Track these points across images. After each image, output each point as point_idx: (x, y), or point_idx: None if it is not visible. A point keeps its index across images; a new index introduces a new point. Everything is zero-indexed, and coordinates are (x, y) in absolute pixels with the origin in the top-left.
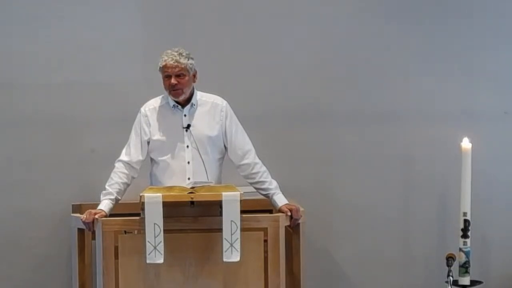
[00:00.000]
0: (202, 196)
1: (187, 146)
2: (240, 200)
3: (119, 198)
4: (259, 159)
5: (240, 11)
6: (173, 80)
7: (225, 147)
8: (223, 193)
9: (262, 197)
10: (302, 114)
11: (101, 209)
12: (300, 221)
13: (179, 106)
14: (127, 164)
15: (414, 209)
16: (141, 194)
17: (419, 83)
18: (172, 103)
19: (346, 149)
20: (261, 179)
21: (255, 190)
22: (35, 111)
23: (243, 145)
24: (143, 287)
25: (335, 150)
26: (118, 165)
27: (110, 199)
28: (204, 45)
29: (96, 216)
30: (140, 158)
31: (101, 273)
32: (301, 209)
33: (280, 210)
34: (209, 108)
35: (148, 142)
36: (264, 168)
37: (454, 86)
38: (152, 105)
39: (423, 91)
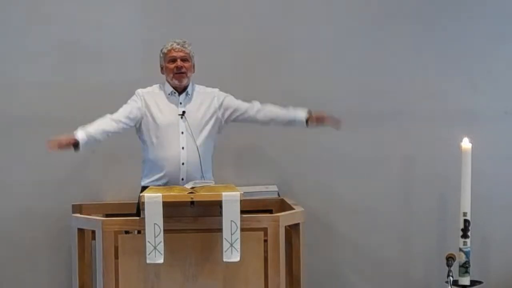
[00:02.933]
0: (202, 196)
1: (182, 132)
2: (240, 200)
3: (96, 137)
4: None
5: (240, 11)
6: (179, 63)
7: (222, 126)
8: (223, 193)
9: (262, 197)
10: None
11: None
12: (300, 221)
13: (176, 94)
14: (112, 119)
15: (414, 209)
16: (141, 194)
17: (419, 83)
18: (168, 90)
19: (346, 149)
20: (275, 110)
21: (255, 190)
22: (35, 111)
23: (245, 104)
24: (143, 287)
25: (335, 150)
26: (104, 117)
27: (86, 131)
28: (205, 45)
29: (63, 142)
30: (127, 120)
31: (101, 273)
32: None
33: (309, 118)
34: (204, 97)
35: (142, 118)
36: (270, 105)
37: (454, 86)
38: (148, 90)
39: (423, 91)
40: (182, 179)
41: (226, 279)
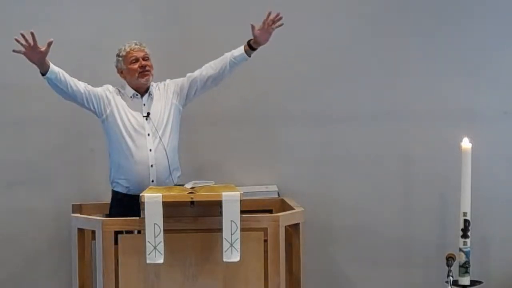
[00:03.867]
0: (202, 196)
1: (148, 134)
2: (240, 200)
3: (65, 77)
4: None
5: (241, 11)
6: (142, 62)
7: (183, 107)
8: (223, 193)
9: (262, 197)
10: (302, 114)
11: None
12: (300, 221)
13: (138, 96)
14: (81, 83)
15: (414, 209)
16: (141, 194)
17: (419, 83)
18: (130, 93)
19: (346, 149)
20: (221, 59)
21: (255, 190)
22: (35, 111)
23: (191, 76)
24: (143, 287)
25: (335, 150)
26: None
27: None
28: (205, 45)
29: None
30: (88, 94)
31: (101, 273)
32: None
33: (254, 37)
34: (161, 92)
35: (106, 112)
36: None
37: (454, 86)
38: (114, 90)
39: (422, 91)
40: (152, 181)
41: (226, 279)
